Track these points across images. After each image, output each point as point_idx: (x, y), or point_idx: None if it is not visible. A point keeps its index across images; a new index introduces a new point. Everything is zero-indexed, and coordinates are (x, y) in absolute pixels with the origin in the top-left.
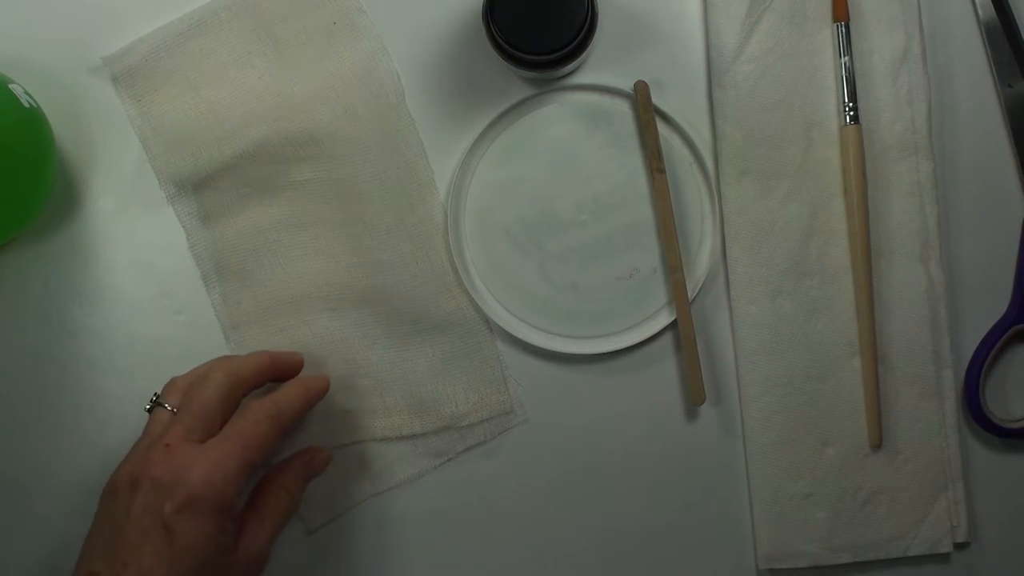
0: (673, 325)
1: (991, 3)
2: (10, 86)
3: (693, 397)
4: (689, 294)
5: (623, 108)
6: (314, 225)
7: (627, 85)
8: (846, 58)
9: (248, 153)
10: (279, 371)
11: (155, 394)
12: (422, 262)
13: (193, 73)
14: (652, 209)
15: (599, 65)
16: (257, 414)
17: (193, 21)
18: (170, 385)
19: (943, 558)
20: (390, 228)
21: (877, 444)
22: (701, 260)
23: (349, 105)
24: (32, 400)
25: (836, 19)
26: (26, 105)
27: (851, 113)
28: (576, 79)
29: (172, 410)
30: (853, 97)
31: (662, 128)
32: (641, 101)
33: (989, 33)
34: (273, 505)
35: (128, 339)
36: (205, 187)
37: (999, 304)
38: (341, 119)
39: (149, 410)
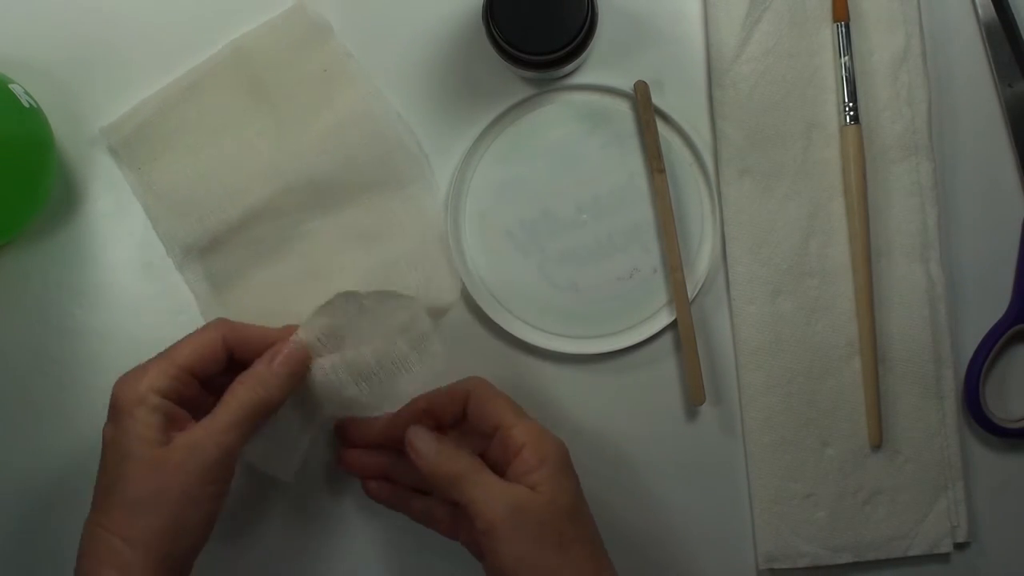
0: (673, 325)
1: (991, 3)
2: (10, 86)
3: (693, 397)
4: (689, 294)
5: (623, 108)
6: (326, 275)
7: (627, 85)
8: (846, 58)
9: (255, 211)
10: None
11: None
12: (432, 291)
13: (191, 136)
14: (652, 209)
15: (599, 65)
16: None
17: (186, 84)
18: None
19: (943, 558)
20: (397, 262)
21: (877, 444)
22: (701, 260)
23: (350, 151)
24: (32, 400)
25: (836, 19)
26: (26, 105)
27: (851, 113)
28: (576, 79)
29: None
30: (853, 97)
31: (662, 128)
32: (641, 101)
33: (989, 33)
34: (234, 392)
35: (128, 339)
36: (213, 249)
37: (999, 304)
38: (343, 166)
39: None
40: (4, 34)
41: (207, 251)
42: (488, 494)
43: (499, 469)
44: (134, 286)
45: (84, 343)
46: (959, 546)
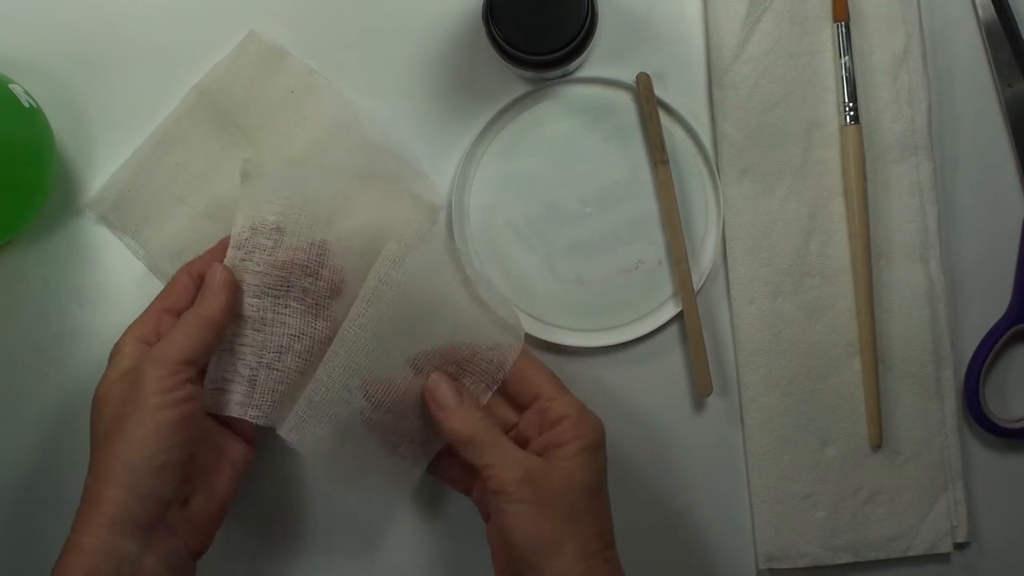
0: (679, 317)
1: (991, 3)
2: (10, 86)
3: (700, 388)
4: (695, 285)
5: (625, 100)
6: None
7: (628, 79)
8: (846, 58)
9: None
10: None
11: None
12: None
13: (176, 187)
14: (656, 201)
15: (599, 65)
16: None
17: (159, 138)
18: None
19: (943, 558)
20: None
21: (877, 444)
22: (706, 251)
23: (333, 164)
24: (32, 400)
25: (836, 19)
26: (26, 105)
27: (851, 113)
28: (577, 74)
29: None
30: (853, 97)
31: (665, 119)
32: (644, 93)
33: (989, 33)
34: (183, 317)
35: None
36: None
37: (999, 304)
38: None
39: None
40: (4, 34)
41: None
42: (505, 459)
43: (528, 438)
44: (134, 286)
45: (84, 343)
46: (959, 546)
